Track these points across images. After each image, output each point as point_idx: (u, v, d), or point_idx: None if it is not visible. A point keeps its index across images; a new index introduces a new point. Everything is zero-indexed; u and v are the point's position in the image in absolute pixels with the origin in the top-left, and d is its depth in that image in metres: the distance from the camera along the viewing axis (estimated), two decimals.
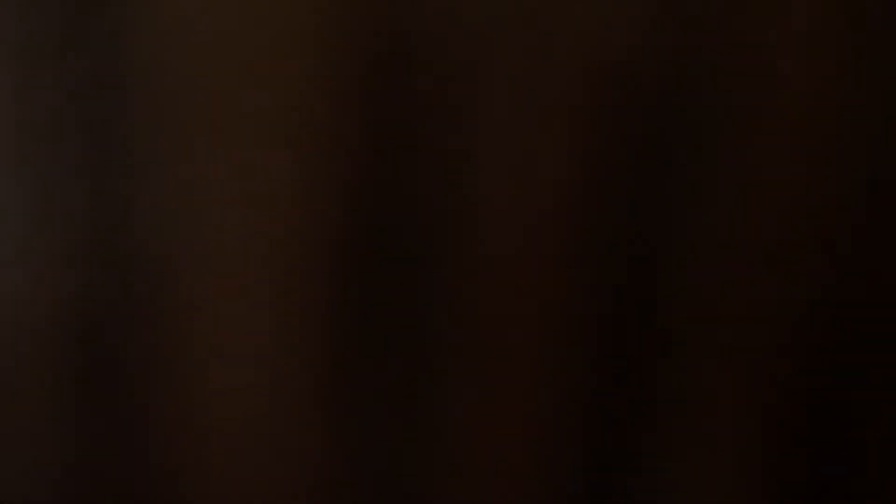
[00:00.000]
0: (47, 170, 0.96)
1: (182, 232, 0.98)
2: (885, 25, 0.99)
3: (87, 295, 0.98)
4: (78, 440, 1.01)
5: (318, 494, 1.04)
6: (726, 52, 0.99)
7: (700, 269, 1.02)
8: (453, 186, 0.99)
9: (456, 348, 1.02)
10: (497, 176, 0.99)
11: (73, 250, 0.98)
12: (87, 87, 0.95)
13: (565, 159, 0.99)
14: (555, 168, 0.99)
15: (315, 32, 0.96)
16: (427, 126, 0.98)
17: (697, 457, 1.05)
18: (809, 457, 1.06)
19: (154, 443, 1.02)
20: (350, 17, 0.96)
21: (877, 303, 1.05)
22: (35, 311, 0.99)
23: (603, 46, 0.97)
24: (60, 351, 0.99)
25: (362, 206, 0.99)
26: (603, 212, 1.00)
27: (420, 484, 1.04)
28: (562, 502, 1.05)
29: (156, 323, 0.99)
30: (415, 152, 0.98)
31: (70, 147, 0.96)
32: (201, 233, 0.98)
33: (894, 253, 1.03)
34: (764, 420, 1.06)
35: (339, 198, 0.99)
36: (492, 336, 1.02)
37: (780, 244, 1.02)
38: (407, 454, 1.03)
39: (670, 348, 1.04)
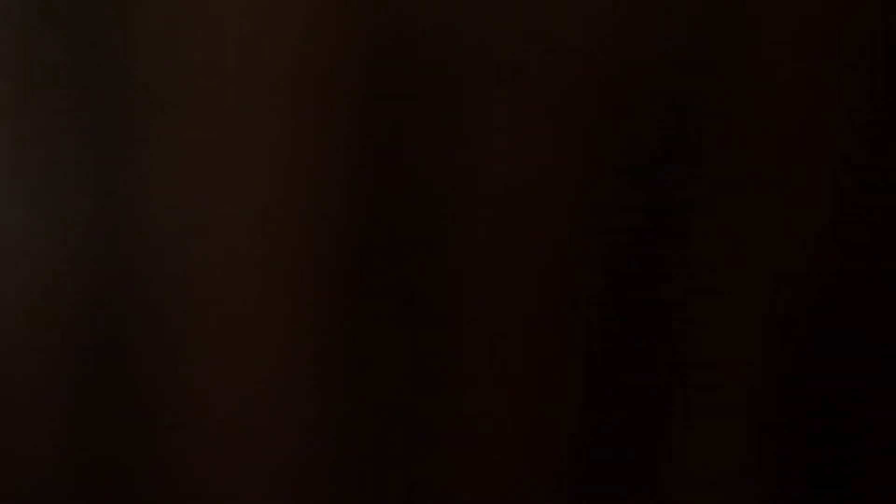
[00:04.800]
0: (50, 171, 0.96)
1: (186, 232, 0.98)
2: (883, 25, 0.99)
3: (93, 296, 0.99)
4: (80, 439, 1.02)
5: (321, 494, 1.04)
6: (726, 51, 0.99)
7: (701, 265, 1.02)
8: (458, 184, 0.99)
9: (460, 346, 1.02)
10: (500, 173, 0.99)
11: (77, 252, 0.98)
12: (90, 88, 0.95)
13: (568, 155, 0.99)
14: (558, 165, 1.00)
15: (318, 32, 0.96)
16: (431, 125, 0.98)
17: (698, 453, 1.06)
18: (809, 455, 1.07)
19: (156, 443, 1.02)
20: (354, 15, 0.96)
21: (876, 301, 1.05)
22: (39, 316, 0.99)
23: (604, 46, 0.98)
24: (66, 352, 1.00)
25: (366, 203, 0.99)
26: (604, 209, 1.01)
27: (425, 484, 1.04)
28: (564, 499, 1.06)
29: (160, 324, 1.00)
30: (418, 151, 0.98)
31: (72, 148, 0.96)
32: (205, 233, 0.98)
33: (893, 251, 1.04)
34: (764, 417, 1.06)
35: (342, 196, 0.99)
36: (496, 331, 1.02)
37: (780, 241, 1.03)
38: (412, 455, 1.04)
39: (671, 345, 1.04)
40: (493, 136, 0.98)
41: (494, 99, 0.98)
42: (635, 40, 0.97)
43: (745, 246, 1.02)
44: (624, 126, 0.99)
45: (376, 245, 1.00)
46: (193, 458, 1.02)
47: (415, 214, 0.99)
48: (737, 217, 1.02)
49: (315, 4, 0.96)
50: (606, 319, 1.03)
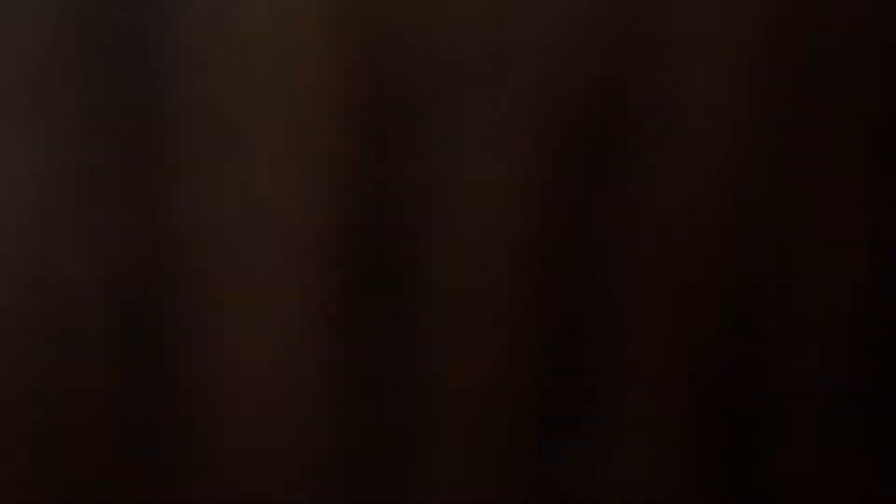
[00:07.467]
0: (68, 175, 0.97)
1: (200, 235, 0.99)
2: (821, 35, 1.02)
3: (110, 295, 0.99)
4: (103, 437, 1.02)
5: (321, 474, 1.05)
6: (665, 75, 1.01)
7: (641, 270, 1.04)
8: (454, 192, 1.02)
9: (445, 343, 1.04)
10: (478, 179, 1.01)
11: (94, 252, 0.99)
12: (104, 97, 0.96)
13: (533, 171, 1.02)
14: (524, 182, 1.02)
15: (325, 47, 0.98)
16: (432, 136, 1.00)
17: (638, 445, 1.07)
18: (751, 450, 1.09)
19: (175, 438, 1.03)
20: (360, 32, 0.98)
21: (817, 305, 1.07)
22: (66, 318, 0.99)
23: (556, 72, 1.00)
24: (88, 350, 1.00)
25: (366, 211, 1.01)
26: (567, 216, 1.03)
27: (413, 468, 1.06)
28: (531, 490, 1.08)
29: (176, 323, 1.01)
30: (417, 159, 1.00)
31: (87, 153, 0.97)
32: (218, 235, 1.00)
33: (833, 258, 1.05)
34: (707, 413, 1.07)
35: (345, 204, 1.00)
36: (463, 326, 1.04)
37: (722, 248, 1.04)
38: (401, 445, 1.05)
39: (615, 344, 1.05)
40: (477, 142, 1.01)
41: (480, 105, 1.00)
42: (581, 67, 1.00)
43: (673, 254, 1.04)
44: (578, 132, 1.01)
45: (378, 247, 1.01)
46: (210, 453, 1.03)
47: (416, 218, 1.01)
48: (680, 222, 1.04)
49: (313, 20, 0.97)
50: (549, 322, 1.04)
